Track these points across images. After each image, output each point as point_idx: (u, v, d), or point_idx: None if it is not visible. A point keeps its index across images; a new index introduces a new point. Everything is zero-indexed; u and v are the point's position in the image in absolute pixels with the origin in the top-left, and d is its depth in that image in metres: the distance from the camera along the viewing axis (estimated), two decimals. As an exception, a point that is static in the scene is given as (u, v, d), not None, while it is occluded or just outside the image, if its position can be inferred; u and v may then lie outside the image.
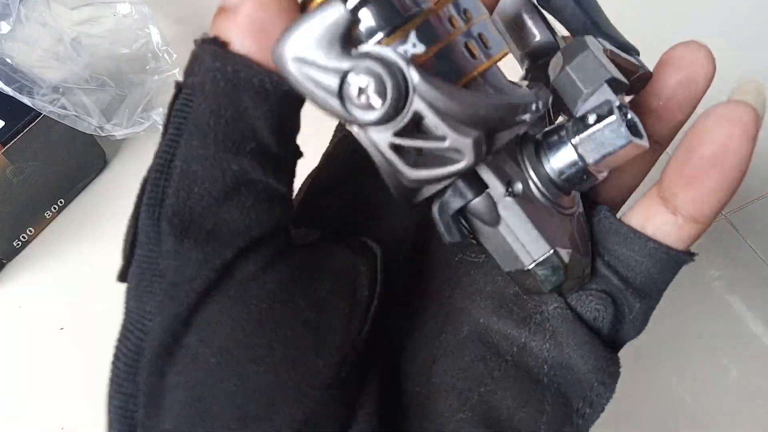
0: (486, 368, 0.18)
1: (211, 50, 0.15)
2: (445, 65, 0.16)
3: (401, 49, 0.15)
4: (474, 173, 0.17)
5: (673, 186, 0.16)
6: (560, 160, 0.17)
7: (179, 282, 0.15)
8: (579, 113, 0.17)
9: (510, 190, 0.17)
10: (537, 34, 0.21)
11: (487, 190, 0.17)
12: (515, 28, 0.21)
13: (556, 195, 0.18)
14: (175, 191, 0.15)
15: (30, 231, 0.50)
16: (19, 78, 0.44)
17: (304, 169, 0.19)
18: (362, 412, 0.17)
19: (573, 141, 0.17)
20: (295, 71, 0.15)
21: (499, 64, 0.17)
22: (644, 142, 0.17)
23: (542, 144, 0.18)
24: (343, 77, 0.15)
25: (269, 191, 0.16)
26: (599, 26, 0.20)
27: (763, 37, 0.71)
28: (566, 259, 0.17)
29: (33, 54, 0.48)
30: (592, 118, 0.17)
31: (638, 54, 0.20)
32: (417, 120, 0.15)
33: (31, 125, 0.45)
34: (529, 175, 0.17)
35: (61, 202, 0.51)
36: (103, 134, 0.48)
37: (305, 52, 0.15)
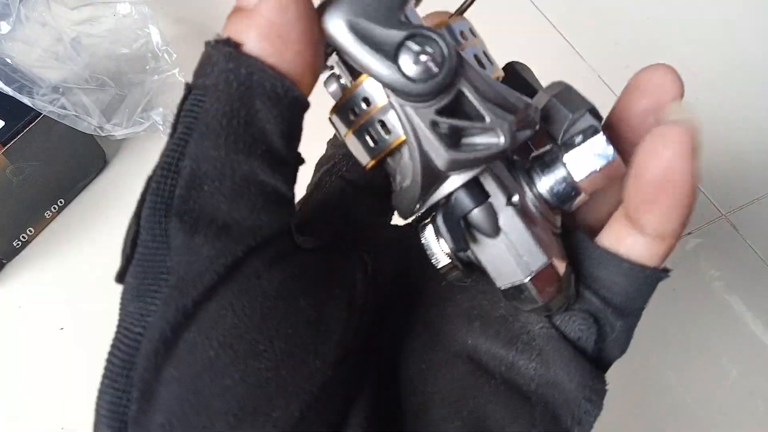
0: (476, 383, 0.19)
1: (226, 52, 0.15)
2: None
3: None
4: (477, 182, 0.17)
5: (633, 210, 0.17)
6: (552, 177, 0.18)
7: (188, 277, 0.15)
8: (565, 137, 0.18)
9: (511, 200, 0.17)
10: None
11: (490, 200, 0.17)
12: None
13: (548, 212, 0.18)
14: (185, 189, 0.15)
15: (30, 231, 0.50)
16: (19, 78, 0.44)
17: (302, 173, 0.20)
18: (355, 413, 0.17)
19: (564, 159, 0.18)
20: (350, 34, 0.15)
21: None
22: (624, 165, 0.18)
23: (533, 165, 0.18)
24: (402, 42, 0.15)
25: (277, 193, 0.16)
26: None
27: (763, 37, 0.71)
28: (561, 271, 0.18)
29: (33, 54, 0.48)
30: (578, 139, 0.18)
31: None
32: (456, 101, 0.16)
33: (31, 125, 0.45)
34: (525, 191, 0.18)
35: (61, 202, 0.51)
36: (103, 134, 0.48)
37: (364, 15, 0.15)
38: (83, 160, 0.52)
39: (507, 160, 0.18)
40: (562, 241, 0.19)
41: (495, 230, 0.17)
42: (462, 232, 0.17)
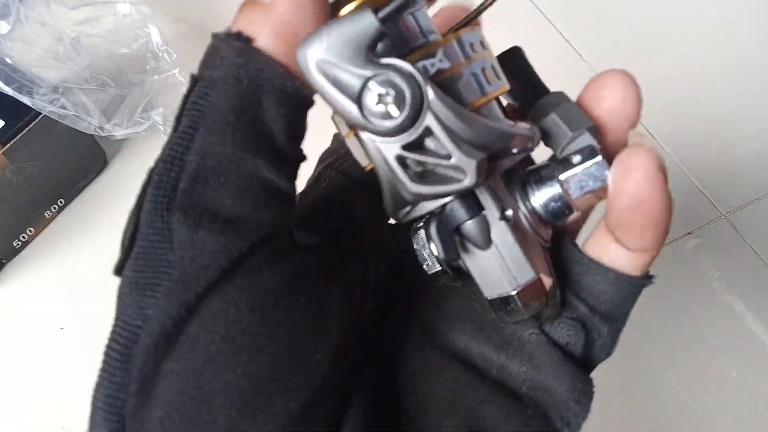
0: (472, 383, 0.19)
1: (236, 46, 0.15)
2: (455, 89, 0.16)
3: (420, 65, 0.16)
4: (473, 195, 0.17)
5: (614, 229, 0.18)
6: (546, 194, 0.18)
7: (192, 271, 0.15)
8: (562, 155, 0.19)
9: (504, 215, 0.18)
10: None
11: (483, 212, 0.18)
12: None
13: (539, 225, 0.19)
14: (189, 184, 0.15)
15: (30, 231, 0.50)
16: (18, 78, 0.44)
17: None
18: (354, 411, 0.18)
19: (560, 177, 0.18)
20: (318, 71, 0.15)
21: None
22: None
23: (529, 179, 0.19)
24: (364, 84, 0.15)
25: (279, 190, 0.16)
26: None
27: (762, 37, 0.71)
28: (548, 286, 0.18)
29: (33, 54, 0.48)
30: (576, 159, 0.18)
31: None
32: (425, 136, 0.16)
33: (31, 125, 0.45)
34: (519, 205, 0.19)
35: (61, 202, 0.51)
36: (103, 134, 0.48)
37: (331, 55, 0.15)
38: (83, 160, 0.52)
39: (504, 171, 0.18)
40: (550, 246, 0.20)
41: (487, 243, 0.18)
42: (454, 242, 0.18)
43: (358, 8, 0.15)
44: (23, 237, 0.50)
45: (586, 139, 0.18)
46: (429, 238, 0.18)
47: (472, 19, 0.19)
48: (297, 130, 0.16)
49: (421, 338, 0.20)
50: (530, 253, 0.18)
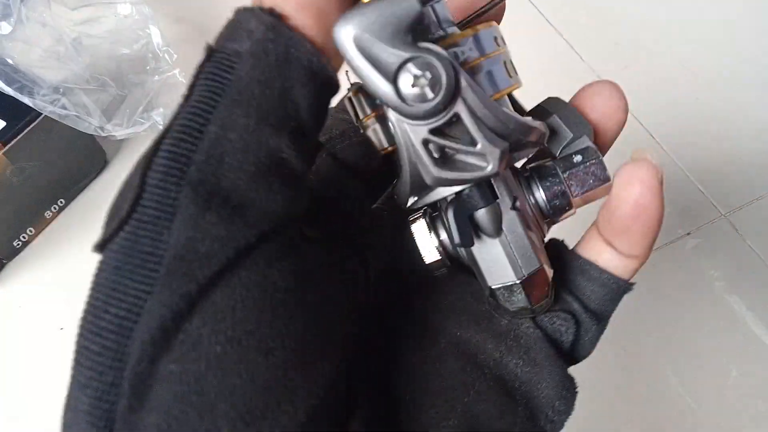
0: (468, 380, 0.19)
1: (267, 21, 0.14)
2: (478, 80, 0.17)
3: (452, 51, 0.16)
4: (488, 183, 0.18)
5: (608, 235, 0.19)
6: (550, 190, 0.19)
7: (191, 258, 0.13)
8: (561, 155, 0.20)
9: (515, 205, 0.18)
10: None
11: (497, 201, 0.18)
12: None
13: (540, 220, 0.20)
14: (204, 157, 0.14)
15: (30, 231, 0.50)
16: (19, 78, 0.44)
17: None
18: (357, 414, 0.17)
19: (564, 175, 0.19)
20: (355, 47, 0.15)
21: None
22: None
23: (532, 175, 0.19)
24: (402, 64, 0.15)
25: (295, 175, 0.15)
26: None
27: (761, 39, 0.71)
28: (550, 277, 0.19)
29: (33, 54, 0.48)
30: (578, 158, 0.19)
31: None
32: (451, 122, 0.16)
33: (31, 125, 0.45)
34: (525, 199, 0.19)
35: (61, 202, 0.51)
36: (104, 134, 0.48)
37: (371, 33, 0.15)
38: (83, 161, 0.52)
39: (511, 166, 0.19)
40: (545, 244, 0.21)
41: (498, 231, 0.18)
42: (470, 228, 0.18)
43: None
44: (23, 237, 0.50)
45: (585, 141, 0.19)
46: (433, 227, 0.19)
47: (484, 12, 0.20)
48: (321, 110, 0.16)
49: (417, 333, 0.20)
50: (535, 245, 0.18)
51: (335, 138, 0.21)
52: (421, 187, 0.17)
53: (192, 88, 0.14)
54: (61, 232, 0.51)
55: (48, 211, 0.51)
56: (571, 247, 0.21)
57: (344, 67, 0.16)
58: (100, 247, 0.14)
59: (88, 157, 0.52)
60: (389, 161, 0.19)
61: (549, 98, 0.21)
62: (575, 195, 0.19)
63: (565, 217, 0.20)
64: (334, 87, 0.16)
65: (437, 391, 0.19)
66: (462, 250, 0.19)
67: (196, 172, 0.13)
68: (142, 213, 0.13)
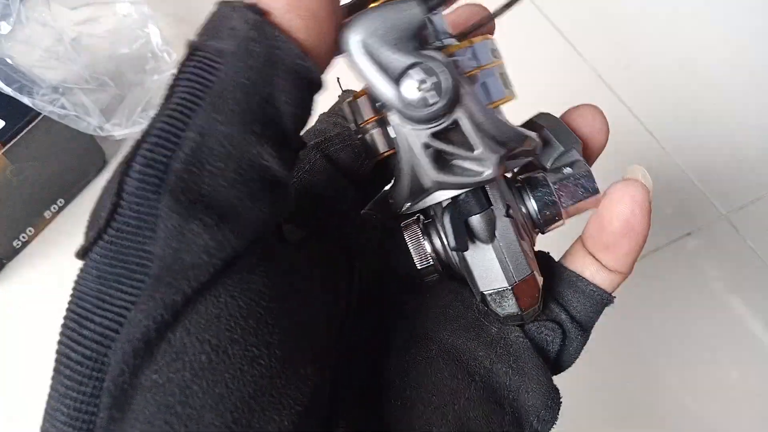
0: (460, 386, 0.19)
1: (251, 18, 0.14)
2: (480, 88, 0.18)
3: (453, 60, 0.17)
4: (483, 190, 0.18)
5: (595, 250, 0.20)
6: (540, 200, 0.20)
7: (177, 269, 0.13)
8: (552, 167, 0.20)
9: (508, 212, 0.19)
10: None
11: (491, 207, 0.18)
12: None
13: (531, 229, 0.20)
14: (184, 164, 0.13)
15: (30, 231, 0.50)
16: (19, 78, 0.44)
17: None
18: (342, 419, 0.17)
19: (554, 186, 0.20)
20: (362, 50, 0.16)
21: None
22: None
23: (523, 186, 0.20)
24: (407, 69, 0.16)
25: (277, 180, 0.15)
26: None
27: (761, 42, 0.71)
28: (540, 284, 0.19)
29: (33, 54, 0.48)
30: (567, 171, 0.20)
31: None
32: (451, 127, 0.17)
33: (31, 125, 0.45)
34: (518, 207, 0.20)
35: (61, 202, 0.51)
36: (103, 134, 0.48)
37: (377, 37, 0.16)
38: (83, 160, 0.52)
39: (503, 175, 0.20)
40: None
41: (491, 237, 0.18)
42: (465, 233, 0.18)
43: None
44: (23, 237, 0.50)
45: (575, 155, 0.20)
46: (425, 231, 0.19)
47: (483, 25, 0.20)
48: (304, 114, 0.15)
49: (407, 338, 0.20)
50: (526, 252, 0.19)
51: (330, 140, 0.21)
52: (419, 191, 0.18)
53: (172, 88, 0.14)
54: (61, 232, 0.51)
55: (47, 211, 0.51)
56: (556, 259, 0.22)
57: (334, 71, 0.17)
58: (81, 254, 0.14)
59: (88, 156, 0.52)
60: (381, 167, 0.19)
61: (540, 113, 0.21)
62: (565, 206, 0.20)
63: (554, 228, 0.20)
64: (319, 88, 0.15)
65: (428, 397, 0.19)
66: (455, 256, 0.19)
67: (175, 179, 0.13)
68: (122, 222, 0.13)
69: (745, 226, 0.60)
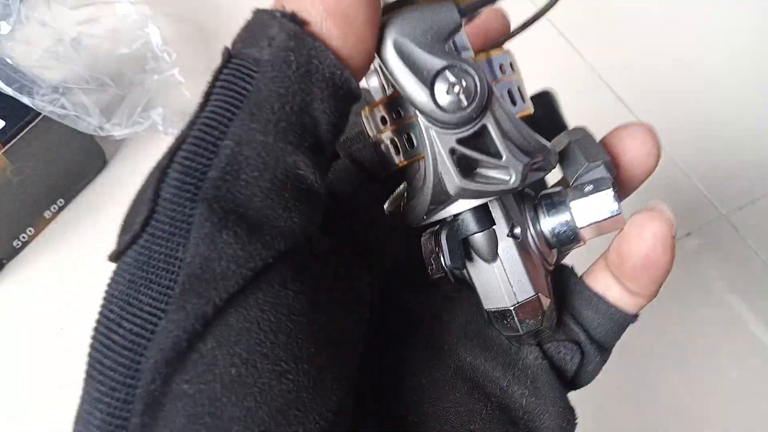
0: (476, 406, 0.19)
1: (290, 28, 0.14)
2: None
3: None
4: (485, 208, 0.18)
5: (618, 274, 0.19)
6: (556, 219, 0.19)
7: (207, 278, 0.13)
8: (575, 183, 0.19)
9: (513, 232, 0.18)
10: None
11: (494, 227, 0.18)
12: None
13: (545, 248, 0.19)
14: (220, 173, 0.13)
15: (30, 231, 0.50)
16: (19, 78, 0.44)
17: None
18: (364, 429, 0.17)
19: (571, 204, 0.19)
20: (395, 51, 0.15)
21: None
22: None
23: (541, 201, 0.19)
24: (440, 71, 0.15)
25: (311, 191, 0.15)
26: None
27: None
28: (545, 306, 0.19)
29: (33, 54, 0.48)
30: (588, 188, 0.19)
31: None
32: (479, 134, 0.16)
33: (31, 125, 0.44)
34: (528, 226, 0.19)
35: (61, 202, 0.51)
36: (103, 134, 0.48)
37: (411, 38, 0.15)
38: (83, 160, 0.52)
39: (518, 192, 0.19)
40: (552, 270, 0.20)
41: (493, 256, 0.18)
42: (461, 252, 0.18)
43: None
44: (23, 237, 0.50)
45: (601, 172, 0.19)
46: (438, 244, 0.19)
47: (501, 44, 0.20)
48: (340, 125, 0.15)
49: (426, 352, 0.20)
50: (533, 273, 0.19)
51: (352, 138, 0.21)
52: (440, 199, 0.17)
53: (208, 95, 0.14)
54: (61, 232, 0.51)
55: (47, 211, 0.51)
56: (579, 273, 0.21)
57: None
58: (115, 257, 0.14)
59: (88, 156, 0.52)
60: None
61: (575, 127, 0.21)
62: (581, 226, 0.19)
63: (574, 248, 0.20)
64: (356, 99, 0.15)
65: (444, 415, 0.19)
66: (465, 271, 0.19)
67: (211, 188, 0.13)
68: (156, 228, 0.13)
69: (745, 226, 0.60)
